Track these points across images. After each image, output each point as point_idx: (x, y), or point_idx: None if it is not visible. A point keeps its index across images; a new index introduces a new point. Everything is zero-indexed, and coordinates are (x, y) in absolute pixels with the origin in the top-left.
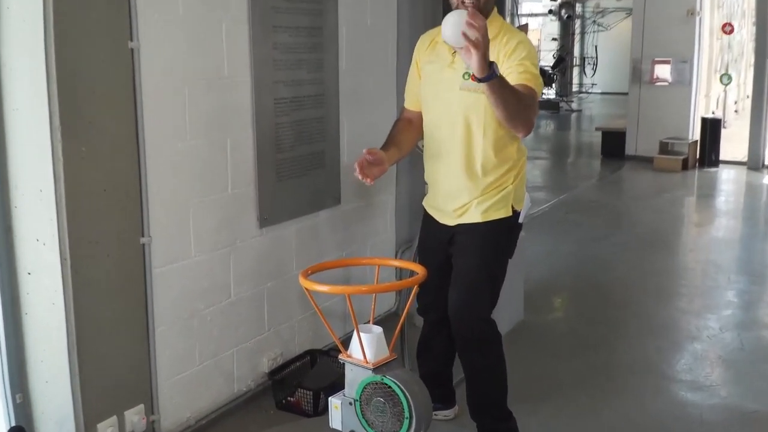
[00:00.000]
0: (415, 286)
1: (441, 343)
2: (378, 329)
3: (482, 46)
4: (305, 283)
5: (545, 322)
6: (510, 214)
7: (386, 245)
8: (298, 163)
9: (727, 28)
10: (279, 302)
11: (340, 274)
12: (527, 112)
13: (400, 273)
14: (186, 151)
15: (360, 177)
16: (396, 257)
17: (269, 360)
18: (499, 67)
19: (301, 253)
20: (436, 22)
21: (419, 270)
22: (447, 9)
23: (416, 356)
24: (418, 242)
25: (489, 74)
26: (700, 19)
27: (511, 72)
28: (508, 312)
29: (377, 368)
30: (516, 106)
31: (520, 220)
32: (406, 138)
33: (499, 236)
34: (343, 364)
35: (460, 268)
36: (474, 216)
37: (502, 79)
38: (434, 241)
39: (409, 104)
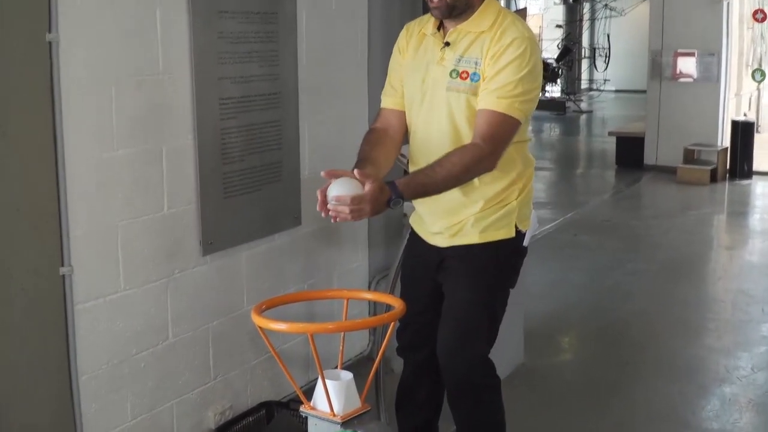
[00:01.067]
0: (392, 324)
1: (426, 391)
2: (347, 375)
3: (358, 215)
4: (259, 320)
5: (550, 366)
6: (513, 235)
7: (357, 275)
8: (249, 177)
9: (759, 16)
10: (227, 345)
11: (302, 310)
12: (471, 171)
13: (374, 308)
14: (113, 163)
15: (324, 214)
16: (369, 288)
17: (216, 414)
18: (483, 67)
19: (253, 285)
20: (417, 6)
21: (396, 304)
22: None
23: (395, 407)
24: (401, 268)
25: (394, 200)
26: (729, 5)
27: (486, 91)
28: (505, 353)
29: (347, 422)
30: (452, 180)
31: (525, 243)
32: (382, 153)
33: (499, 261)
34: (306, 418)
35: (453, 300)
36: (470, 236)
37: (411, 188)
38: (420, 267)
39: (388, 103)
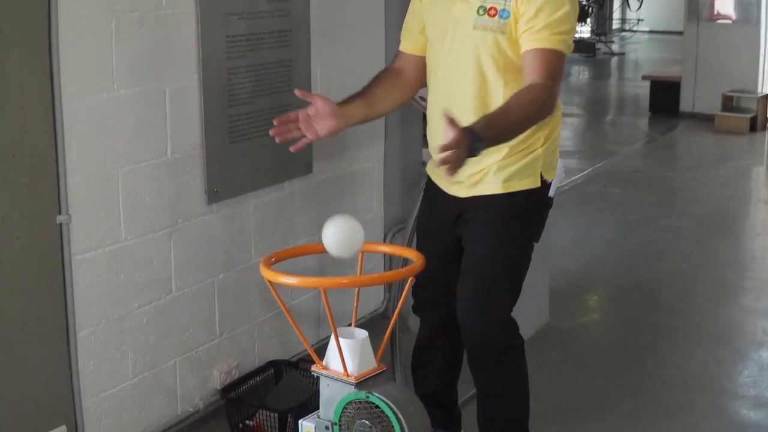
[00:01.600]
0: (410, 279)
1: (443, 352)
2: (362, 333)
3: (459, 164)
4: (268, 274)
5: (576, 327)
6: (538, 184)
7: (372, 226)
8: (257, 120)
9: None
10: (234, 299)
11: (313, 264)
12: (543, 110)
13: (390, 262)
14: (113, 105)
15: (278, 138)
16: (385, 241)
17: (222, 373)
18: (514, 4)
19: (262, 237)
20: None
21: (415, 257)
22: None
23: (412, 368)
24: (417, 220)
25: (476, 145)
26: None
27: (532, 30)
28: (530, 313)
29: (361, 383)
30: (526, 122)
31: (551, 194)
32: (384, 94)
33: (523, 213)
34: (317, 378)
35: (473, 255)
36: (492, 186)
37: (490, 131)
38: (439, 219)
39: (407, 46)
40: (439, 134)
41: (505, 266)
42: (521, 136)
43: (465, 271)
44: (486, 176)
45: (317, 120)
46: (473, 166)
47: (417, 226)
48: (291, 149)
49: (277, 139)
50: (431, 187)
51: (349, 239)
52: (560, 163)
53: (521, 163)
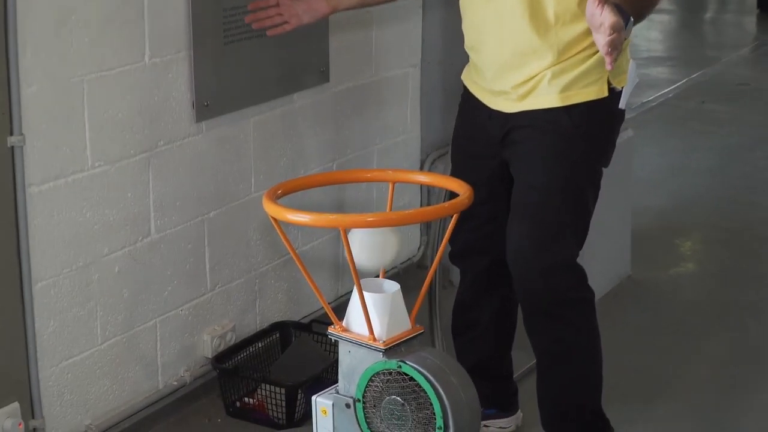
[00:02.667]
0: (454, 217)
1: (490, 311)
2: (393, 287)
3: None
4: (273, 210)
5: (664, 281)
6: (605, 94)
7: (406, 150)
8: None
9: None
10: (229, 244)
11: (330, 199)
12: None
13: (428, 196)
14: None
15: (255, 24)
16: (422, 169)
17: (214, 338)
18: None
19: (264, 163)
20: None
21: (461, 189)
22: None
23: (452, 333)
24: (452, 144)
25: (627, 24)
26: None
27: None
28: (605, 263)
29: (391, 349)
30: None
31: (622, 105)
32: None
33: (588, 131)
34: (336, 343)
35: (526, 185)
36: (547, 98)
37: (630, 5)
38: (480, 141)
39: None
40: (477, 29)
41: (566, 198)
42: (578, 31)
43: (516, 206)
44: (538, 86)
45: (299, 1)
46: (521, 70)
47: (453, 151)
48: (268, 34)
49: (253, 26)
50: (469, 100)
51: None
52: (632, 65)
53: (582, 68)
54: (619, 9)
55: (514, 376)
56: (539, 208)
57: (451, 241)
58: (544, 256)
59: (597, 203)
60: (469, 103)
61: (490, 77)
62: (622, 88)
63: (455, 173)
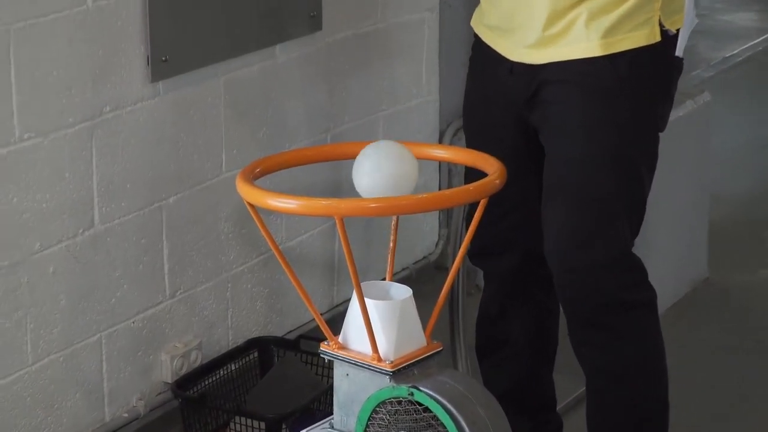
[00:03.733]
0: (482, 204)
1: (524, 323)
2: (403, 292)
3: None
4: (250, 194)
5: (749, 286)
6: (657, 39)
7: (421, 117)
8: None
9: None
10: (193, 238)
11: (321, 179)
12: None
13: (449, 176)
14: None
15: None
16: (442, 141)
17: (175, 358)
18: None
19: (237, 134)
20: None
21: (491, 167)
22: None
23: (477, 352)
24: (464, 112)
25: None
26: None
27: None
28: (676, 264)
29: (401, 371)
30: None
31: (679, 53)
32: None
33: (637, 86)
34: (330, 364)
35: (562, 160)
36: (584, 44)
37: None
38: (499, 103)
39: None
40: None
41: (615, 172)
42: None
43: (550, 186)
44: (572, 29)
45: None
46: (550, 6)
47: (465, 121)
48: None
49: None
50: (483, 53)
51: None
52: (689, 3)
53: (626, 6)
54: None
55: (557, 407)
56: (581, 188)
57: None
58: (591, 250)
59: (665, 188)
60: (482, 57)
61: (510, 17)
62: (678, 30)
63: (470, 146)
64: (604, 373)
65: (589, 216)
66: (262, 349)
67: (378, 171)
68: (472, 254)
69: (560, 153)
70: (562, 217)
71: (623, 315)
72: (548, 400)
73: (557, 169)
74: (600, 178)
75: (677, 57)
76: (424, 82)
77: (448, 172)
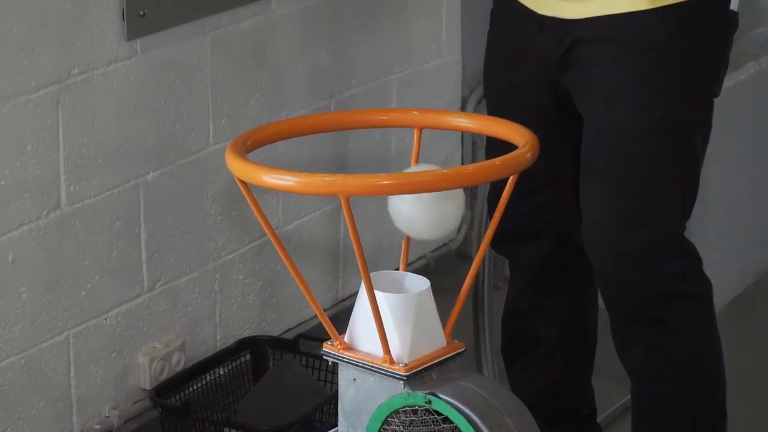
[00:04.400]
0: (512, 180)
1: (559, 320)
2: (419, 284)
3: None
4: (242, 169)
5: None
6: None
7: (440, 81)
8: None
9: None
10: (176, 221)
11: (326, 153)
12: None
13: (474, 149)
14: None
15: None
16: (465, 108)
17: (154, 360)
18: None
19: (228, 101)
20: None
21: (521, 138)
22: None
23: (503, 356)
24: (484, 75)
25: None
26: None
27: None
28: (736, 254)
29: (417, 376)
30: None
31: (734, 6)
32: None
33: (689, 46)
34: (335, 367)
35: (602, 130)
36: None
37: None
38: (525, 66)
39: None
40: None
41: (665, 144)
42: None
43: (589, 160)
44: None
45: None
46: None
47: (486, 86)
48: None
49: None
50: (507, 5)
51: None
52: None
53: None
54: None
55: (598, 418)
56: (624, 163)
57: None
58: (636, 233)
59: (722, 163)
60: (507, 10)
61: None
62: None
63: (492, 114)
64: (651, 376)
65: (634, 195)
66: (256, 351)
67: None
68: (496, 241)
69: (599, 122)
70: (603, 196)
71: (674, 309)
72: (586, 408)
73: (596, 141)
74: (646, 151)
75: (732, 11)
76: (444, 40)
77: (472, 145)
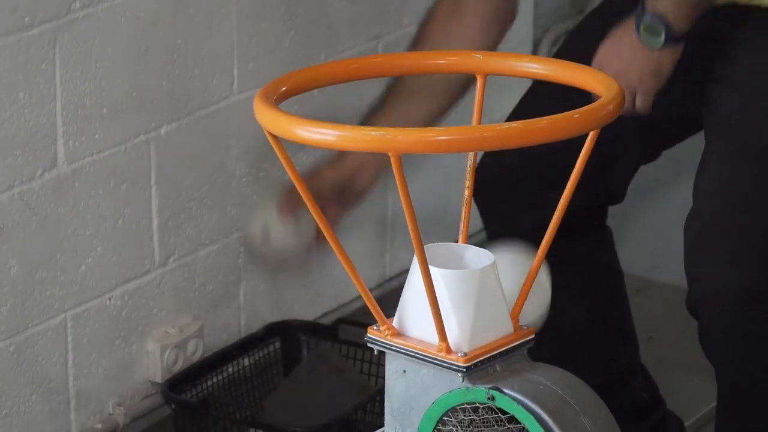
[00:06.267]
0: (591, 136)
1: (583, 296)
2: (484, 257)
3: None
4: (273, 120)
5: None
6: None
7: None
8: None
9: None
10: (194, 183)
11: (368, 105)
12: None
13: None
14: None
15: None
16: (536, 52)
17: (167, 348)
18: None
19: (256, 41)
20: None
21: (603, 86)
22: None
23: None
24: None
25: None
26: None
27: None
28: None
29: (479, 367)
30: None
31: None
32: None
33: None
34: (381, 357)
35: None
36: None
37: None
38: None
39: None
40: None
41: None
42: None
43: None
44: None
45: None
46: None
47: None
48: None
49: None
50: None
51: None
52: None
53: None
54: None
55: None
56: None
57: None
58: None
59: None
60: None
61: None
62: None
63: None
64: (746, 382)
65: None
66: (287, 338)
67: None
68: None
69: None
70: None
71: None
72: (646, 399)
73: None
74: None
75: None
76: None
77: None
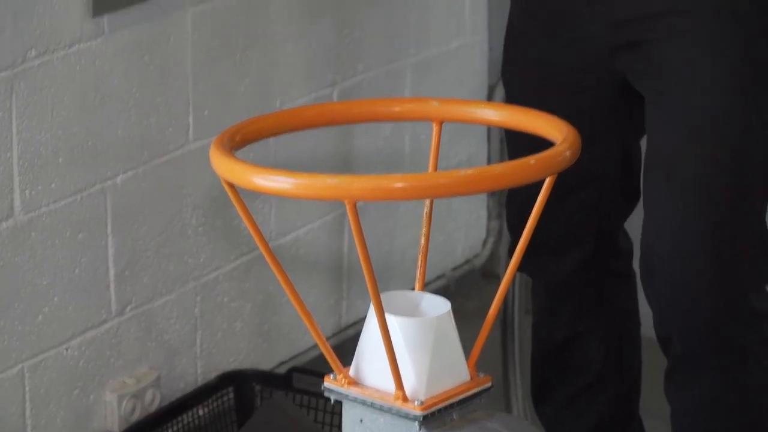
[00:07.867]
0: (548, 182)
1: (603, 341)
2: (440, 306)
3: None
4: (228, 169)
5: None
6: None
7: (464, 66)
8: None
9: None
10: (149, 233)
11: (328, 150)
12: None
13: (502, 146)
14: None
15: None
16: (492, 98)
17: (124, 398)
18: None
19: (211, 89)
20: None
21: (559, 132)
22: None
23: (533, 393)
24: (506, 45)
25: None
26: None
27: None
28: None
29: (435, 416)
30: None
31: None
32: None
33: None
34: (336, 405)
35: (677, 122)
36: None
37: None
38: (565, 43)
39: None
40: None
41: (756, 137)
42: None
43: (659, 158)
44: None
45: None
46: None
47: (506, 62)
48: None
49: None
50: None
51: None
52: None
53: None
54: None
55: None
56: (709, 164)
57: (509, 225)
58: (722, 249)
59: None
60: None
61: None
62: None
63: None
64: (723, 409)
65: (720, 205)
66: (241, 387)
67: None
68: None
69: (675, 112)
70: (679, 208)
71: (752, 330)
72: None
73: (672, 137)
74: (741, 146)
75: None
76: (467, 18)
77: (499, 142)
